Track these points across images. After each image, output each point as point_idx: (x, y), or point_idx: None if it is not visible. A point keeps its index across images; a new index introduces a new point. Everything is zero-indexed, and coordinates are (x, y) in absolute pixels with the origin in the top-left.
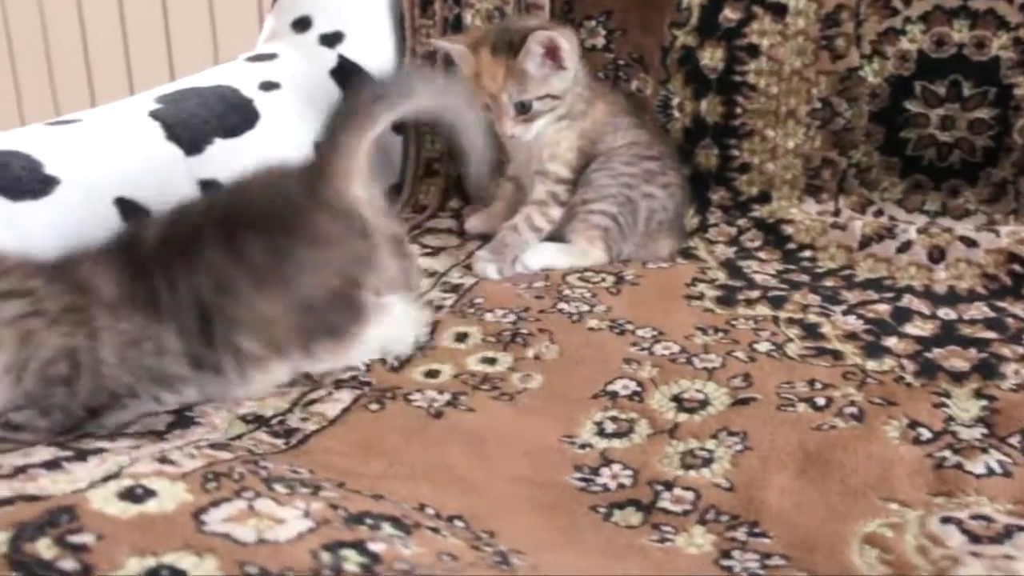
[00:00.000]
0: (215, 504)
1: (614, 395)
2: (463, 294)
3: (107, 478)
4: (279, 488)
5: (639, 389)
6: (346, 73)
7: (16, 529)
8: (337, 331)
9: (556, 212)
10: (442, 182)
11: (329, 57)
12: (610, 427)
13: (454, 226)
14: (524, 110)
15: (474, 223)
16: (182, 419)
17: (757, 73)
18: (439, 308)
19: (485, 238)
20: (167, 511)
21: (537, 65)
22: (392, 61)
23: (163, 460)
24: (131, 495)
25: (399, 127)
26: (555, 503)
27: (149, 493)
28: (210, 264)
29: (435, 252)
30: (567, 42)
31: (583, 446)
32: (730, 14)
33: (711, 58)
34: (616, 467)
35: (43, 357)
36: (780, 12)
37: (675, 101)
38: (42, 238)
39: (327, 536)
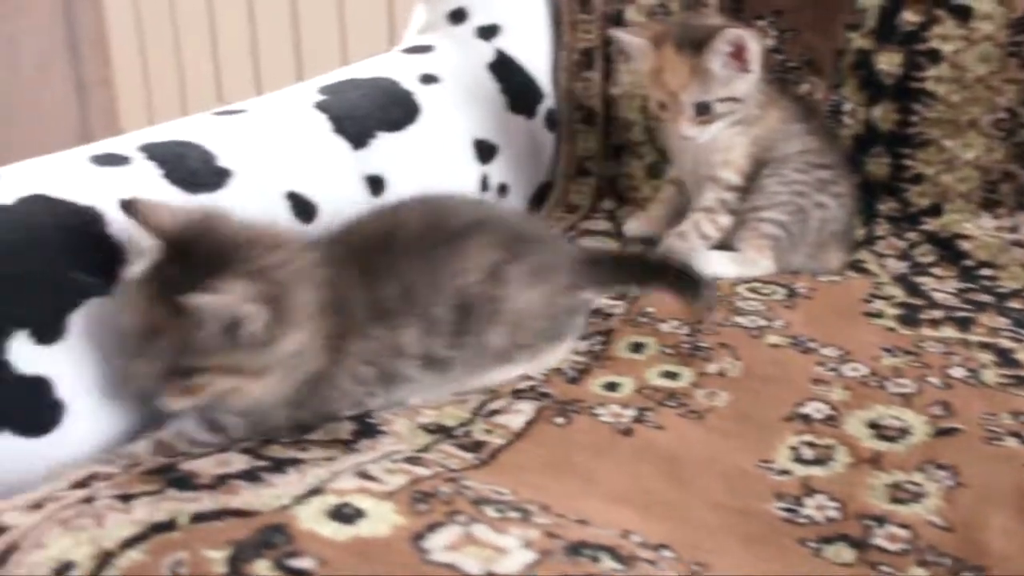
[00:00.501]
0: (431, 529)
1: (807, 418)
2: (632, 302)
3: (310, 493)
4: (489, 511)
5: (833, 413)
6: (503, 68)
7: (233, 548)
8: (562, 335)
9: (726, 220)
10: (594, 182)
11: (487, 51)
12: (808, 453)
13: (610, 228)
14: (704, 111)
15: (633, 226)
16: (366, 427)
17: (937, 80)
18: (608, 316)
19: (644, 242)
20: (383, 535)
21: (722, 65)
22: (549, 57)
23: (364, 475)
24: (340, 515)
25: (552, 122)
26: (761, 534)
27: (358, 513)
28: (479, 255)
29: None
30: (755, 44)
31: (782, 472)
32: (910, 17)
33: (888, 63)
34: (820, 497)
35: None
36: (964, 16)
37: (847, 107)
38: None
39: (554, 570)
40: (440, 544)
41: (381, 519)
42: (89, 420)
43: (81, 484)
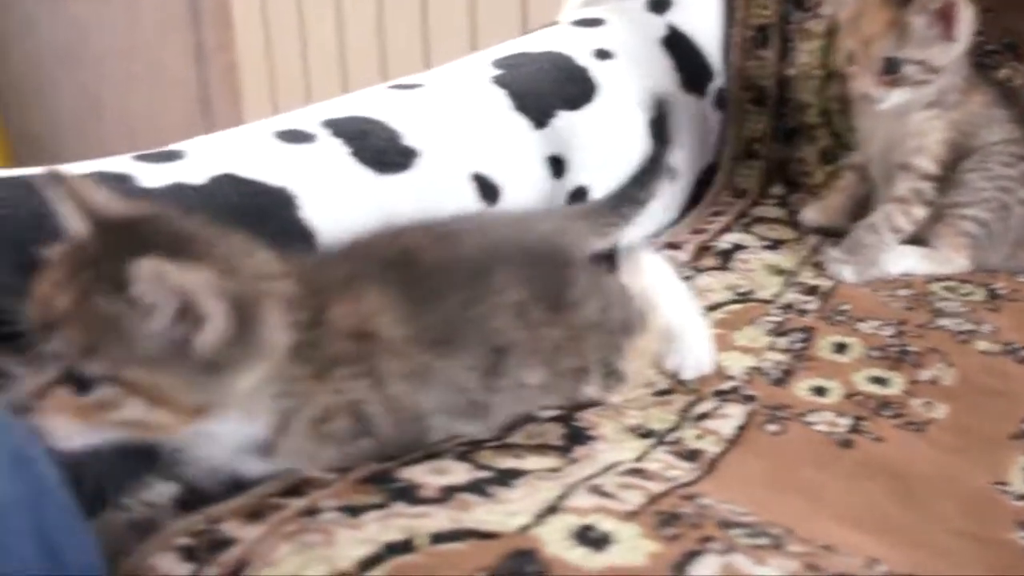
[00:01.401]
0: (688, 558)
1: None
2: (825, 298)
3: (547, 511)
4: (740, 538)
5: None
6: (676, 44)
7: None
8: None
9: (920, 212)
10: (763, 165)
11: (658, 25)
12: None
13: (783, 216)
14: (892, 70)
15: (810, 215)
16: (574, 431)
17: None
18: (803, 312)
19: (822, 232)
20: (639, 564)
21: (925, 25)
22: (721, 32)
23: (598, 492)
24: (586, 538)
25: (720, 102)
26: (1009, 568)
27: (605, 538)
28: (505, 296)
29: (774, 245)
30: (967, 11)
31: (1020, 497)
32: None
33: None
34: None
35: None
36: None
37: None
38: (397, 211)
39: None
40: None
41: (632, 545)
42: None
43: (294, 491)
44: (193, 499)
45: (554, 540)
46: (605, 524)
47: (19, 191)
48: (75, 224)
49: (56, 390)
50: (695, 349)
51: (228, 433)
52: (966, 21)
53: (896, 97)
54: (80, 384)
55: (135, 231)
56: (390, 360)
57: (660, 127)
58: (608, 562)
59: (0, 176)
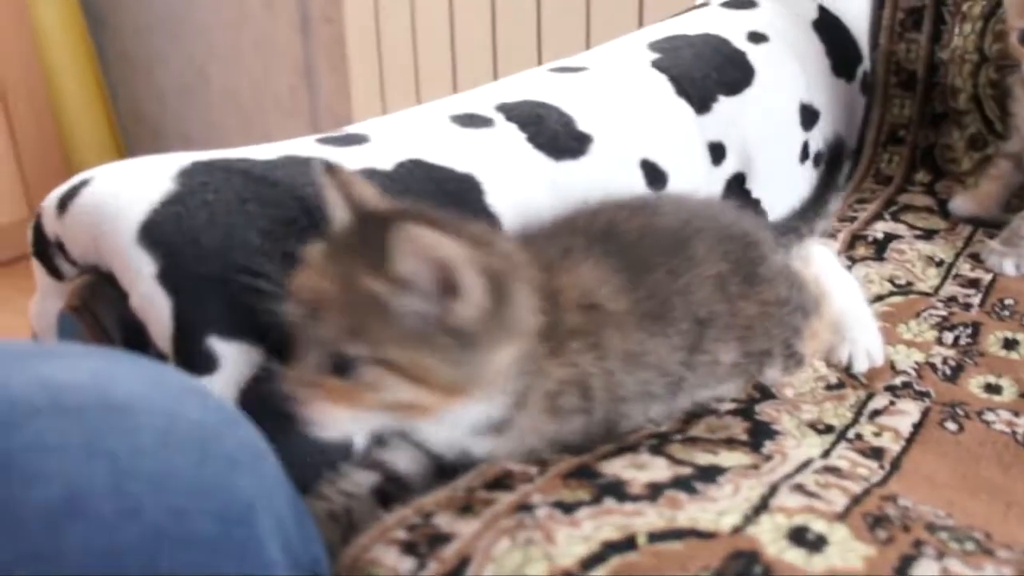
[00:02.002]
0: (905, 562)
1: None
2: (986, 292)
3: (756, 511)
4: (950, 542)
5: None
6: (827, 26)
7: None
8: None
9: None
10: (908, 151)
11: (810, 7)
12: None
13: (931, 204)
14: None
15: (961, 204)
16: (756, 425)
17: None
18: (967, 306)
19: (972, 222)
20: (858, 568)
21: None
22: (870, 14)
23: (803, 491)
24: (802, 540)
25: (866, 86)
26: None
27: (820, 539)
28: (707, 267)
29: (927, 235)
30: None
31: None
32: None
33: None
34: None
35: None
36: None
37: None
38: (573, 197)
39: None
40: None
41: (847, 548)
42: None
43: (497, 484)
44: (393, 489)
45: (771, 541)
46: (817, 525)
47: (220, 175)
48: (340, 214)
49: (320, 377)
50: (866, 340)
51: (471, 413)
52: None
53: None
54: (343, 367)
55: (393, 218)
56: (613, 333)
57: (833, 169)
58: (828, 565)
59: (197, 161)
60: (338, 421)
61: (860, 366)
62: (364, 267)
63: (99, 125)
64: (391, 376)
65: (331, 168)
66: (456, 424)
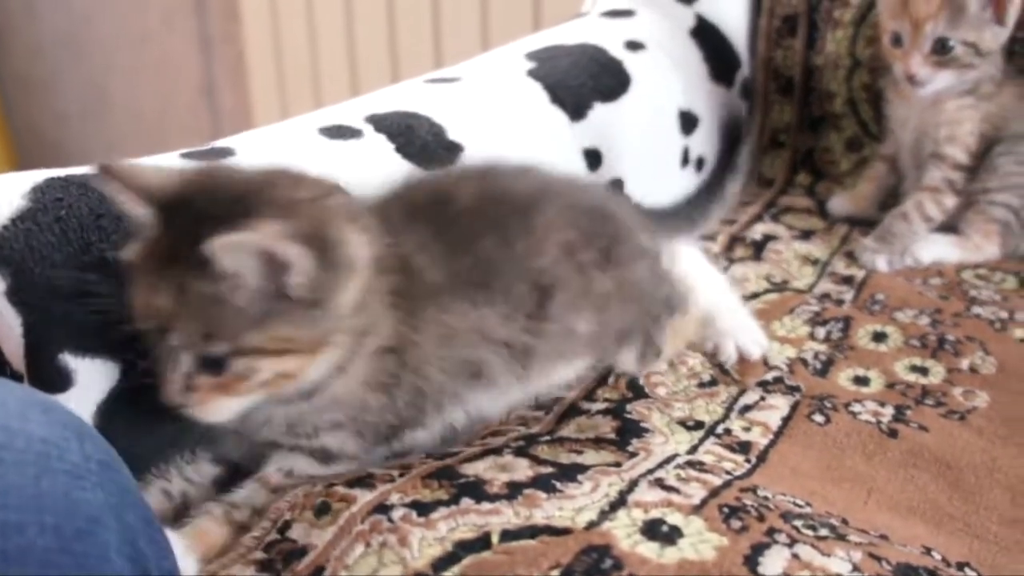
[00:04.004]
0: (757, 551)
1: None
2: (859, 288)
3: (613, 506)
4: (804, 529)
5: None
6: (705, 34)
7: (561, 574)
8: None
9: (951, 201)
10: (788, 154)
11: (687, 16)
12: None
13: (812, 206)
14: (942, 50)
15: (838, 205)
16: (625, 423)
17: None
18: (840, 302)
19: (850, 222)
20: (711, 559)
21: (979, 6)
22: (747, 22)
23: (661, 485)
24: (656, 532)
25: (746, 92)
26: None
27: (674, 530)
28: (552, 234)
29: (804, 235)
30: None
31: None
32: None
33: None
34: None
35: (374, 345)
36: None
37: None
38: None
39: None
40: (775, 570)
41: (700, 538)
42: None
43: (358, 482)
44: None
45: (626, 535)
46: (672, 518)
47: (76, 190)
48: (138, 211)
49: (196, 378)
50: (736, 332)
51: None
52: (1016, 7)
53: (941, 81)
54: (213, 365)
55: (195, 207)
56: (427, 305)
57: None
58: (680, 557)
59: (52, 177)
60: (223, 411)
61: (729, 357)
62: (192, 273)
63: None
64: (258, 359)
65: (105, 169)
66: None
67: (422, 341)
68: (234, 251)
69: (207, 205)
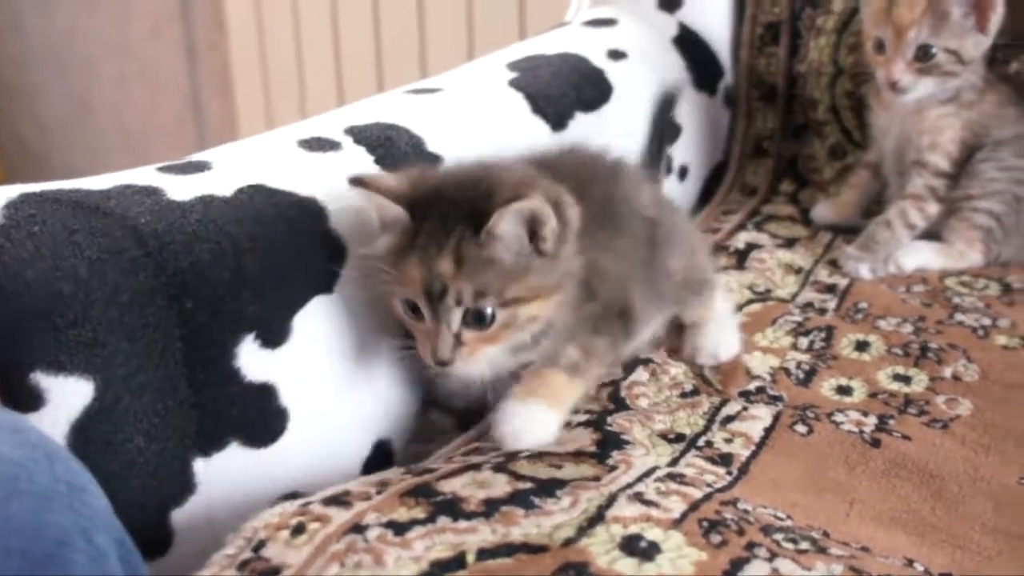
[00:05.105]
0: (736, 566)
1: None
2: (842, 296)
3: (591, 522)
4: (784, 543)
5: None
6: (687, 42)
7: None
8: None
9: (934, 208)
10: (772, 162)
11: (670, 24)
12: None
13: (795, 213)
14: (925, 57)
15: (822, 212)
16: (607, 435)
17: None
18: (823, 311)
19: (834, 229)
20: (688, 574)
21: (962, 13)
22: (730, 30)
23: (640, 500)
24: (634, 549)
25: (730, 100)
26: None
27: (653, 546)
28: (640, 182)
29: (788, 244)
30: (1000, 7)
31: None
32: None
33: None
34: None
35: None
36: None
37: None
38: None
39: None
40: None
41: (679, 554)
42: (309, 429)
43: (334, 500)
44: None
45: (603, 552)
46: (651, 533)
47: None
48: (394, 212)
49: (464, 334)
50: (718, 337)
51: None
52: (998, 16)
53: (923, 88)
54: (479, 319)
55: (446, 198)
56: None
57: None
58: (657, 572)
59: (26, 193)
60: (483, 361)
61: (706, 360)
62: (467, 242)
63: None
64: (517, 308)
65: (356, 180)
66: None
67: (586, 251)
68: (514, 215)
69: (456, 195)
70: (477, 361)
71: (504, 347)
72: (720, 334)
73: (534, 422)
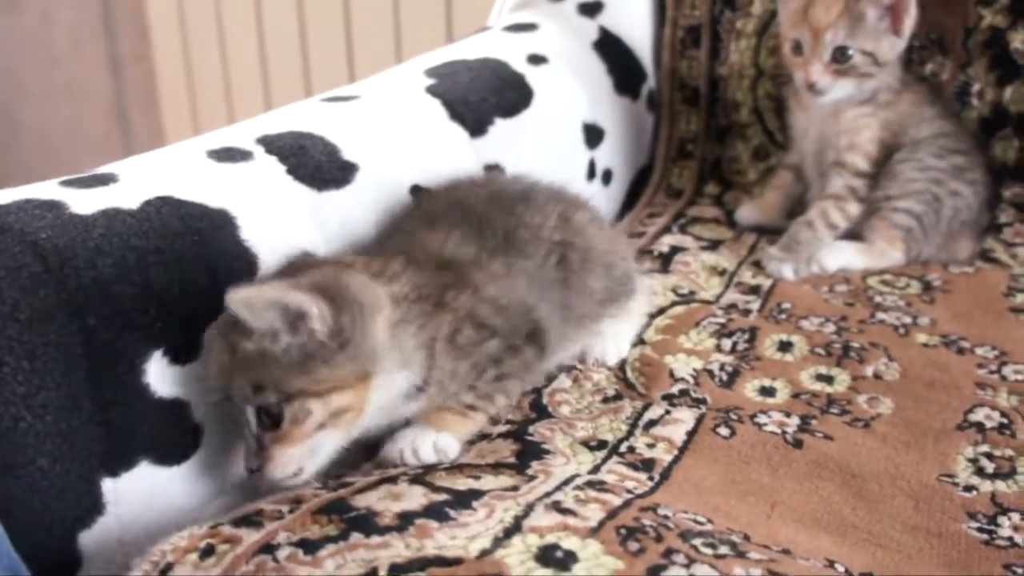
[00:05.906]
0: (653, 572)
1: (980, 427)
2: (765, 297)
3: (508, 533)
4: (703, 548)
5: (1004, 420)
6: (608, 46)
7: None
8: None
9: (855, 208)
10: (697, 165)
11: (591, 29)
12: (988, 466)
13: (720, 216)
14: (841, 59)
15: (746, 214)
16: (527, 445)
17: None
18: (747, 312)
19: (758, 231)
20: None
21: (876, 17)
22: (651, 33)
23: (558, 508)
24: (550, 559)
25: (653, 103)
26: (963, 560)
27: (569, 556)
28: (549, 205)
29: (712, 246)
30: (914, 10)
31: (967, 488)
32: None
33: (1023, 41)
34: (1015, 516)
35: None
36: None
37: (975, 88)
38: (338, 226)
39: None
40: None
41: (596, 563)
42: (224, 444)
43: (245, 521)
44: None
45: (519, 563)
46: (567, 542)
47: None
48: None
49: (265, 437)
50: (610, 340)
51: (396, 384)
52: (912, 19)
53: (840, 89)
54: (271, 418)
55: None
56: (477, 273)
57: None
58: None
59: None
60: (289, 463)
61: (611, 360)
62: (239, 336)
63: None
64: (308, 401)
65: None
66: (389, 399)
67: (481, 288)
68: (253, 305)
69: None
70: (286, 467)
71: (324, 448)
72: (613, 340)
73: (428, 437)
